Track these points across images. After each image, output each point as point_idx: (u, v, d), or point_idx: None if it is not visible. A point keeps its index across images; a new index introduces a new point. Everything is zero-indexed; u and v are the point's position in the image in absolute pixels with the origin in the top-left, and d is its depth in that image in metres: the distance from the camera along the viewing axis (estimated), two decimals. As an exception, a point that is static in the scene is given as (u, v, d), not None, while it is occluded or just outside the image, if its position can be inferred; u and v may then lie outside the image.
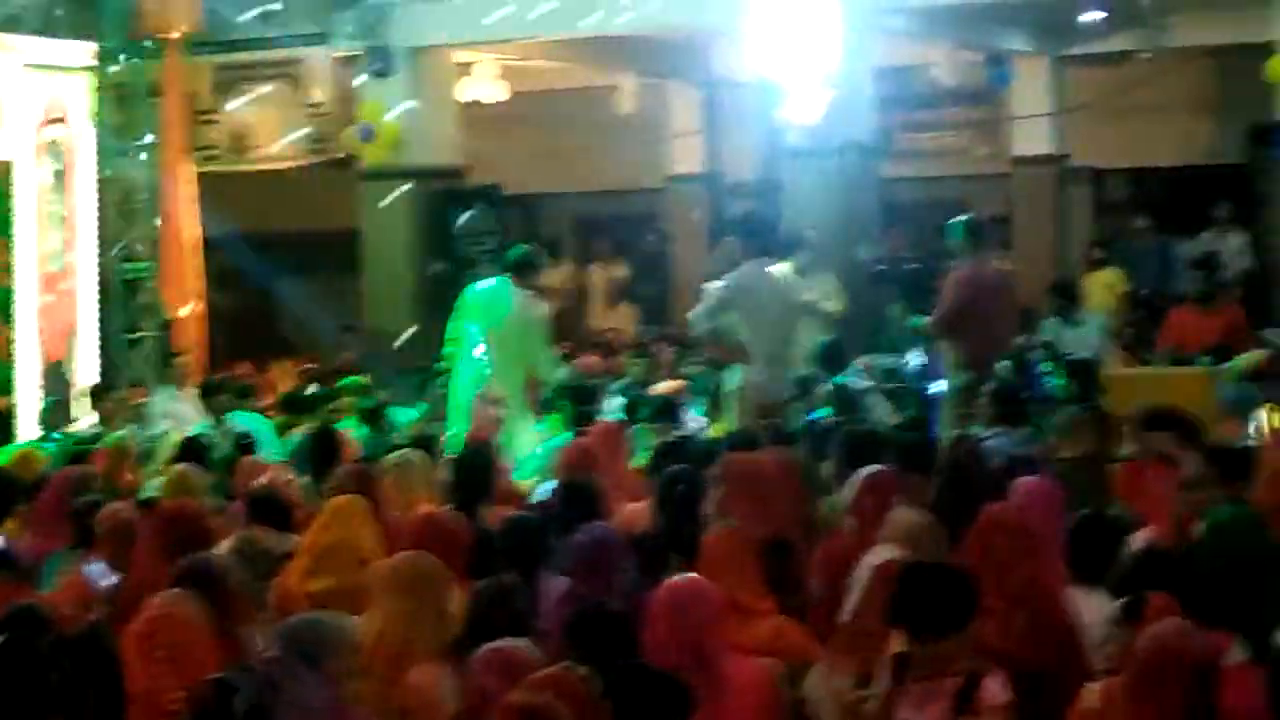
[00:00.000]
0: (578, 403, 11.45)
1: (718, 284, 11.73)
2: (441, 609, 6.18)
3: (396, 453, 9.18)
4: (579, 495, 8.02)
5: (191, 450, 10.25)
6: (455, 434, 10.98)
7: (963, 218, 11.95)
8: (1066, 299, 13.83)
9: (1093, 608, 6.32)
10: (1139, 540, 7.01)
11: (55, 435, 12.47)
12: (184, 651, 5.51)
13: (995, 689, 5.40)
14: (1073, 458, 8.84)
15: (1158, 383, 10.69)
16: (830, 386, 11.35)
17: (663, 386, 12.49)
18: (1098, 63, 18.79)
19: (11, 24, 13.94)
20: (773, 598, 6.72)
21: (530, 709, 4.71)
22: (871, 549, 6.76)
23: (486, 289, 11.83)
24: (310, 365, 15.20)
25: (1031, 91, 18.82)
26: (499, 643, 5.56)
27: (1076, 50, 18.51)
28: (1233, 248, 17.38)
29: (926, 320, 11.84)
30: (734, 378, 11.41)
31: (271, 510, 8.17)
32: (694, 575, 6.13)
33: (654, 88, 19.48)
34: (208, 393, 12.51)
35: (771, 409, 10.83)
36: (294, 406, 12.81)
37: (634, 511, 8.44)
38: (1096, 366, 11.67)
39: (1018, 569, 6.04)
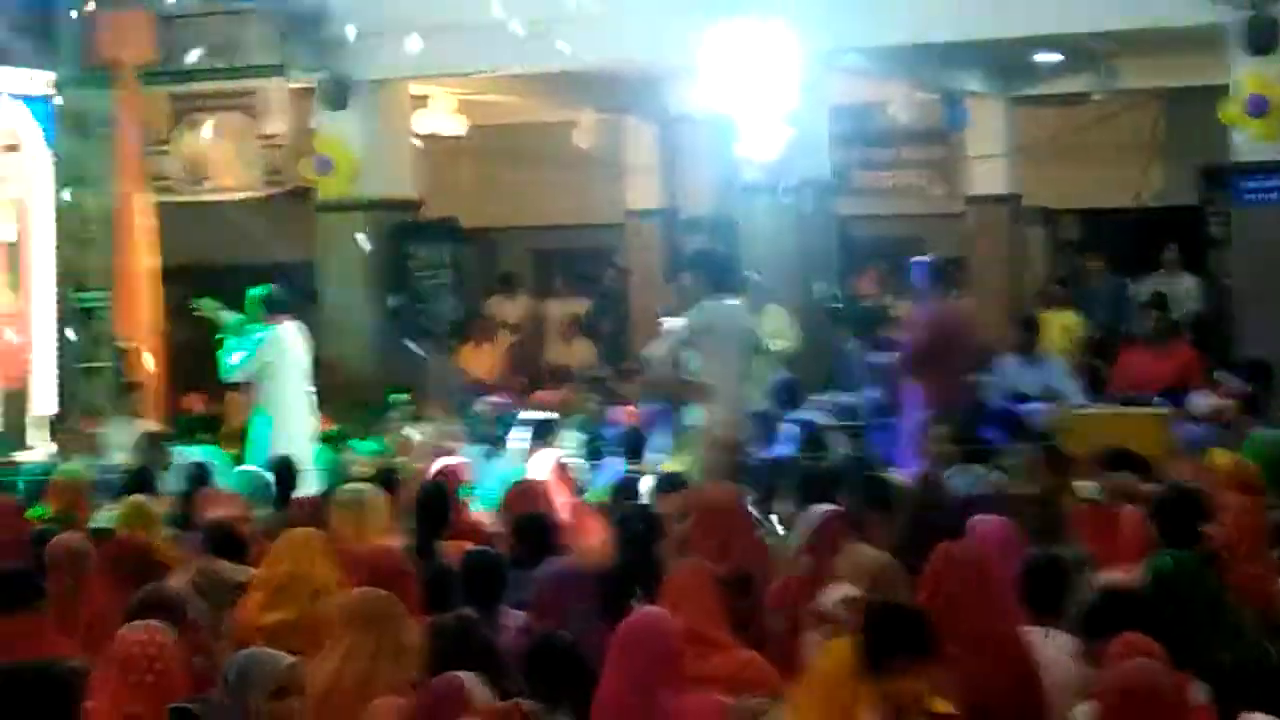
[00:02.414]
0: (535, 437, 11.47)
1: (677, 320, 11.74)
2: (400, 644, 6.15)
3: (352, 485, 9.17)
4: (534, 530, 8.03)
5: (141, 481, 10.22)
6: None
7: (927, 257, 12.01)
8: (1028, 336, 13.89)
9: (1049, 647, 6.34)
10: (1102, 579, 7.06)
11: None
12: (166, 680, 5.49)
13: None
14: (1029, 496, 8.87)
15: (1113, 423, 10.73)
16: (792, 424, 11.38)
17: (623, 420, 12.50)
18: (1051, 104, 18.92)
19: (-33, 54, 13.91)
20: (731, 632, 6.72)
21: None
22: (827, 586, 6.78)
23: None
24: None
25: (986, 131, 18.93)
26: (447, 675, 5.55)
27: (1031, 91, 18.63)
28: (1183, 289, 17.49)
29: (890, 358, 11.90)
30: (693, 414, 11.42)
31: (228, 541, 8.15)
32: (654, 610, 6.13)
33: (612, 123, 19.51)
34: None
35: (731, 446, 10.84)
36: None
37: (592, 546, 8.44)
38: (1052, 406, 11.72)
39: (974, 608, 6.03)
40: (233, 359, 12.75)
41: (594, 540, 8.64)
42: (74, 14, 14.70)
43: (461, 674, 5.54)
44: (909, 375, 11.58)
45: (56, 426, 13.07)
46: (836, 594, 6.65)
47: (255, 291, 12.88)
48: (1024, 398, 12.33)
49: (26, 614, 6.68)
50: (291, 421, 12.48)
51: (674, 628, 6.03)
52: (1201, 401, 11.92)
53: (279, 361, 12.67)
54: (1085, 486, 8.30)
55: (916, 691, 5.42)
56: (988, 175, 18.96)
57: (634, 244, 19.88)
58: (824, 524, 7.51)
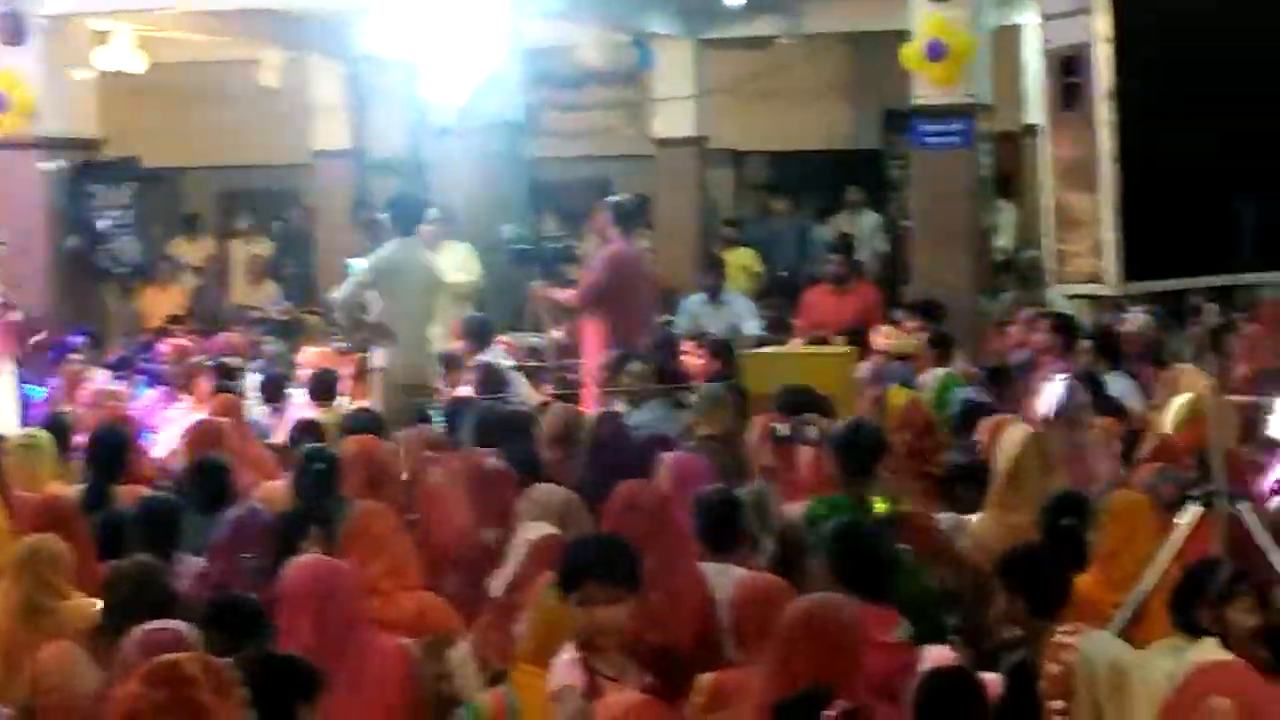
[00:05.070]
0: (218, 380, 11.29)
1: (362, 262, 11.65)
2: (65, 591, 6.02)
3: (23, 431, 8.94)
4: (212, 474, 7.90)
5: None
6: None
7: (611, 198, 12.06)
8: (713, 276, 14.07)
9: (724, 583, 6.41)
10: (787, 515, 7.18)
11: None
12: None
13: None
14: (712, 435, 8.96)
15: (795, 362, 10.87)
16: (475, 364, 11.35)
17: (310, 362, 12.34)
18: (739, 46, 19.10)
19: None
20: (416, 575, 6.69)
21: (159, 699, 4.59)
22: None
23: None
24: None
25: (674, 74, 19.04)
26: (155, 625, 5.43)
27: (718, 34, 18.78)
28: (866, 230, 17.86)
29: (571, 296, 11.94)
30: (377, 357, 11.33)
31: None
32: (321, 556, 6.07)
33: (298, 62, 19.20)
34: None
35: (415, 388, 10.79)
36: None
37: (271, 489, 8.34)
38: (735, 345, 11.85)
39: (653, 546, 6.07)
40: None
41: (275, 483, 8.54)
42: None
43: (173, 623, 5.43)
44: (591, 314, 11.63)
45: None
46: (528, 533, 6.65)
47: None
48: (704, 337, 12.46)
49: None
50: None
51: (351, 571, 5.97)
52: (883, 340, 12.15)
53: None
54: (766, 424, 8.38)
55: (615, 620, 5.42)
56: (676, 117, 19.06)
57: (321, 185, 19.61)
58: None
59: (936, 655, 5.60)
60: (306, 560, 5.91)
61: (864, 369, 11.18)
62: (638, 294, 11.65)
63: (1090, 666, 5.01)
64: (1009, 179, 16.29)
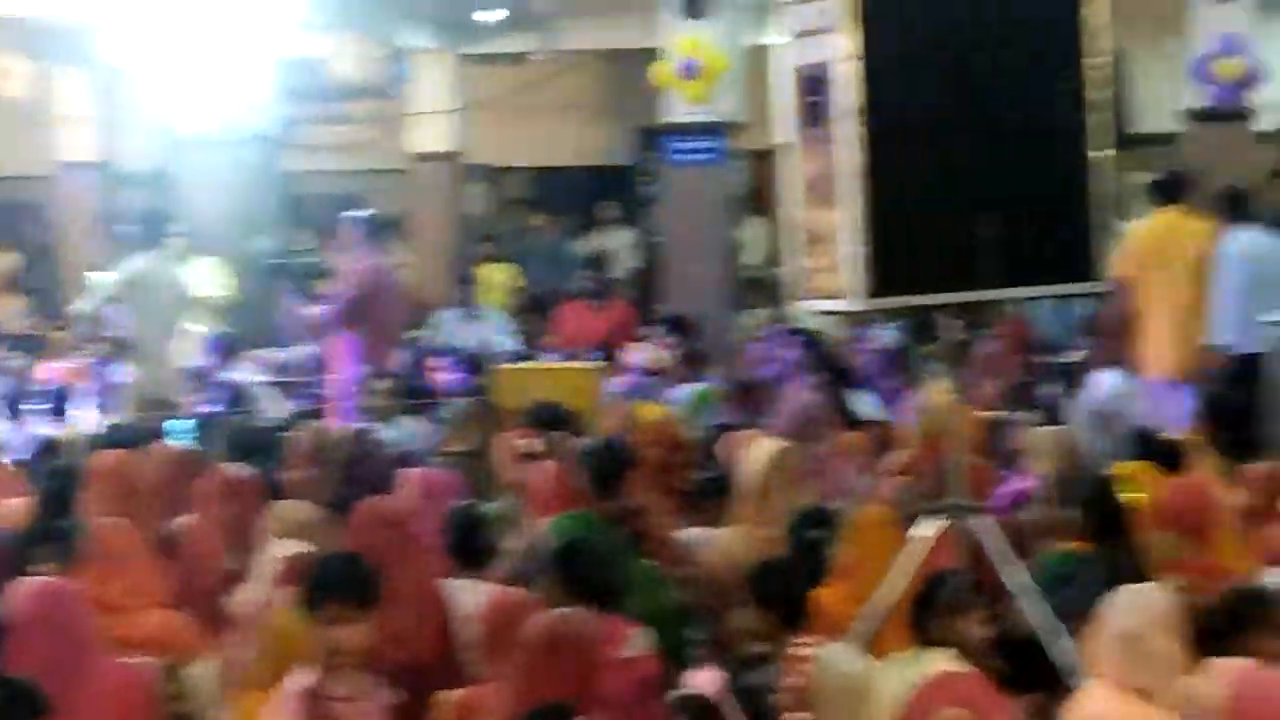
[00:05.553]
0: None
1: (104, 276, 11.45)
2: None
3: None
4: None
5: None
6: None
7: (362, 212, 11.97)
8: (466, 292, 14.06)
9: (472, 599, 6.40)
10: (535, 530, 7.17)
11: None
12: None
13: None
14: (462, 450, 8.94)
15: (547, 377, 10.88)
16: (224, 381, 11.22)
17: (50, 377, 12.10)
18: (496, 62, 19.09)
19: None
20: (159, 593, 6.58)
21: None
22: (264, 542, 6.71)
23: None
24: None
25: (431, 88, 18.96)
26: None
27: (476, 49, 18.75)
28: (621, 246, 17.96)
29: (322, 312, 11.82)
30: (122, 372, 11.14)
31: None
32: (49, 577, 5.93)
33: (44, 72, 18.79)
34: None
35: (161, 404, 10.62)
36: None
37: (11, 507, 8.14)
38: (489, 361, 11.83)
39: (397, 563, 6.04)
40: None
41: (15, 502, 8.34)
42: None
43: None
44: (342, 329, 11.53)
45: None
46: (273, 551, 6.57)
47: None
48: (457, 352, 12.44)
49: None
50: None
51: (65, 592, 5.82)
52: (636, 356, 12.23)
53: None
54: (516, 439, 8.38)
55: (353, 640, 5.35)
56: (432, 132, 18.99)
57: (67, 197, 19.21)
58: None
59: (703, 679, 5.61)
60: (33, 582, 5.76)
61: (615, 384, 11.24)
62: (388, 309, 11.59)
63: (829, 678, 5.07)
64: (760, 196, 16.48)
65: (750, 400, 10.87)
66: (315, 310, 11.99)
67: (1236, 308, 11.07)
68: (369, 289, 11.37)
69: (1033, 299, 8.74)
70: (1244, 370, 10.96)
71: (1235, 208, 11.44)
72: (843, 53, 5.87)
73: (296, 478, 8.19)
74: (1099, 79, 6.19)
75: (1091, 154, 6.16)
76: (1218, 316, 11.09)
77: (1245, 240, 11.23)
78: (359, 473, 8.20)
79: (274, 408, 11.13)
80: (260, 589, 6.34)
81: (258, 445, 8.44)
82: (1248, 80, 13.95)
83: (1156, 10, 15.92)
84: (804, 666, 5.00)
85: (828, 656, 5.04)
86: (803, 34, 6.11)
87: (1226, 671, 4.34)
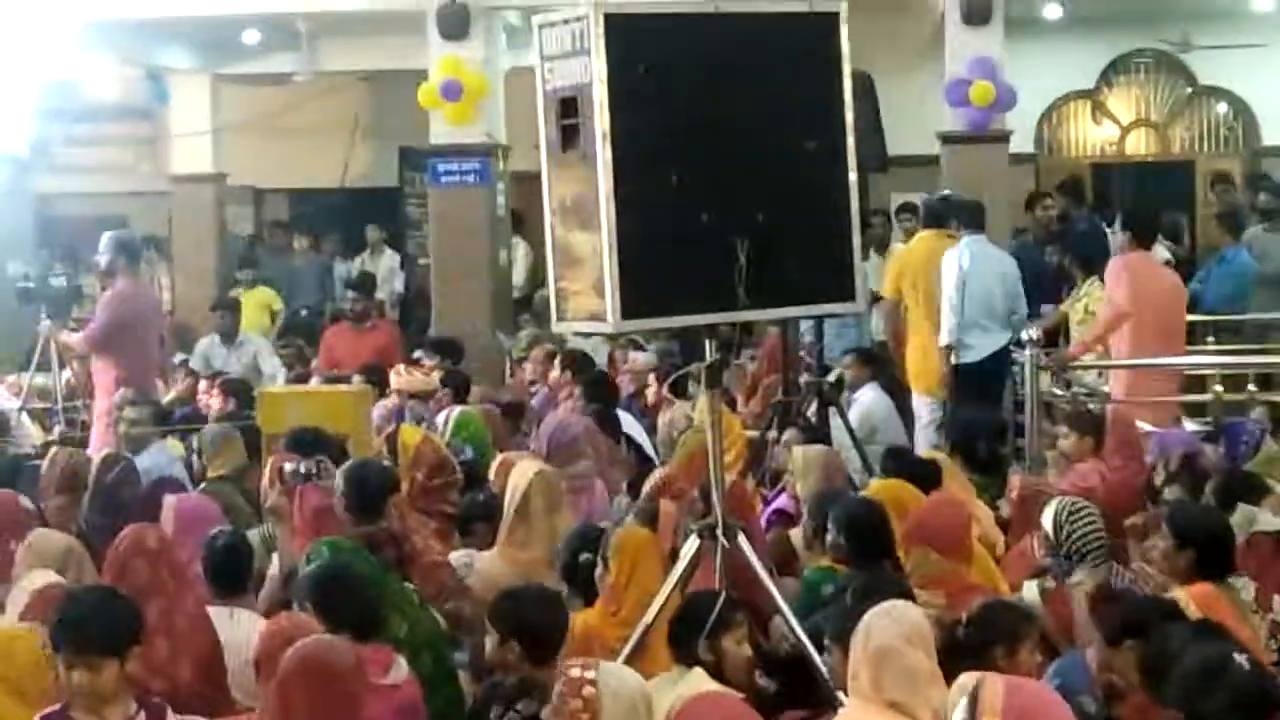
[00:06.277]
0: None
1: None
2: None
3: None
4: None
5: None
6: None
7: (117, 233, 11.75)
8: (228, 317, 13.88)
9: (235, 626, 6.32)
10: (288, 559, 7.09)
11: None
12: None
13: None
14: (222, 476, 8.83)
15: (310, 401, 10.75)
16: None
17: None
18: (257, 83, 18.86)
19: None
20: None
21: None
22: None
23: None
24: None
25: (191, 109, 18.66)
26: None
27: (235, 69, 18.52)
28: (385, 268, 17.86)
29: (79, 337, 11.59)
30: None
31: None
32: None
33: None
34: None
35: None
36: None
37: None
38: (251, 385, 11.71)
39: (155, 593, 5.94)
40: None
41: None
42: None
43: None
44: (100, 354, 11.31)
45: None
46: (29, 583, 6.42)
47: None
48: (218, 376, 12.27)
49: None
50: None
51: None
52: (400, 379, 12.13)
53: None
54: (278, 464, 8.27)
55: (99, 684, 5.22)
56: (192, 153, 18.66)
57: None
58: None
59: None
60: None
61: (379, 408, 11.14)
62: (148, 333, 11.40)
63: (615, 698, 5.03)
64: (524, 217, 16.50)
65: (518, 421, 10.86)
66: (73, 336, 11.74)
67: (971, 319, 11.33)
68: (128, 313, 11.16)
69: (782, 321, 8.86)
70: (984, 383, 11.22)
71: (972, 220, 11.69)
72: (594, 75, 5.86)
73: (50, 506, 8.04)
74: (854, 101, 6.25)
75: (850, 175, 6.21)
76: (949, 326, 11.34)
77: (976, 250, 11.48)
78: (113, 500, 8.07)
79: (30, 435, 10.90)
80: (11, 620, 6.19)
81: (10, 473, 8.26)
82: (1000, 104, 14.24)
83: (914, 33, 16.25)
84: (586, 690, 4.97)
85: (608, 677, 5.01)
86: (554, 56, 6.08)
87: (979, 684, 4.40)
